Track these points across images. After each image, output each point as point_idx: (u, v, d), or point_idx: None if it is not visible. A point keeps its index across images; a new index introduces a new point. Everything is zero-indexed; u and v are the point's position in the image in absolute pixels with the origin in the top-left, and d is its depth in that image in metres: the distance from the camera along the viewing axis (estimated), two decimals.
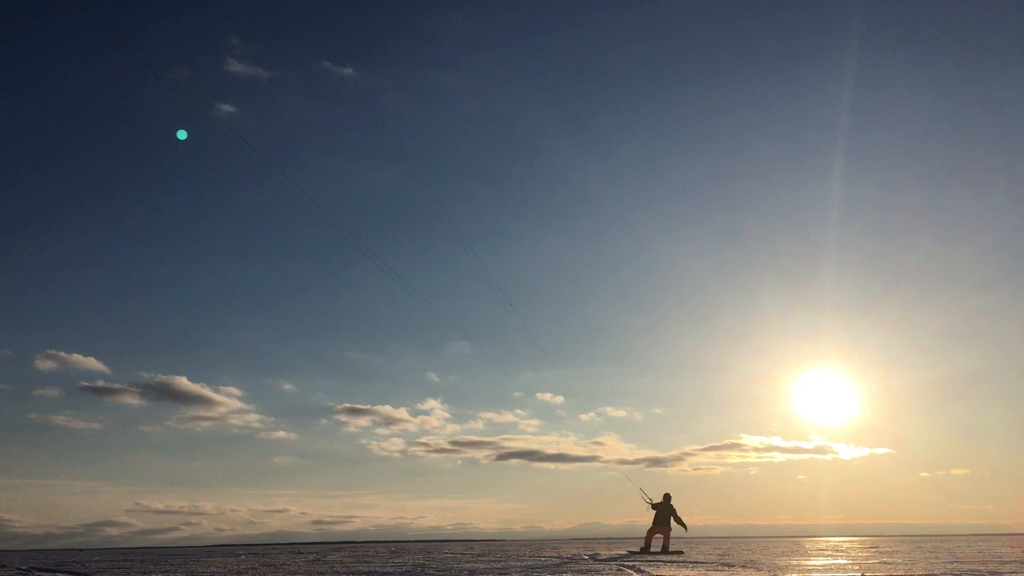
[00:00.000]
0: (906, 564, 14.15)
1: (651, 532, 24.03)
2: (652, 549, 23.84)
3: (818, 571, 12.26)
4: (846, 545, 35.63)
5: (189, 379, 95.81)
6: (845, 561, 16.09)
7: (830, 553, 22.41)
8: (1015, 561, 14.78)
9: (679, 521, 24.11)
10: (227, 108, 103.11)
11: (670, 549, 24.06)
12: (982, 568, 12.27)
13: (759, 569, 13.10)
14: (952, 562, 14.66)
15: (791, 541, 58.65)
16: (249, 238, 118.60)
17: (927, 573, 10.90)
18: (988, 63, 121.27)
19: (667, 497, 24.78)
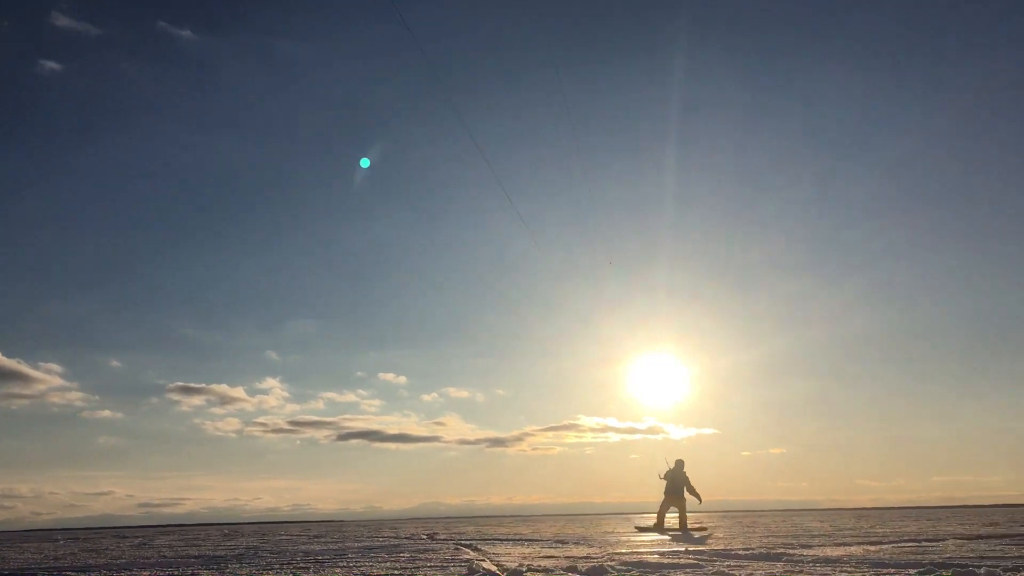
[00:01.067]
0: (725, 538, 14.92)
1: (664, 506, 20.97)
2: (667, 527, 20.70)
3: (646, 546, 12.74)
4: (673, 521, 37.27)
5: (3, 354, 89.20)
6: (670, 536, 16.81)
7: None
8: (823, 535, 15.85)
9: (693, 492, 20.77)
10: (51, 65, 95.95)
11: (689, 527, 20.86)
12: (794, 541, 13.09)
13: (591, 545, 13.48)
14: (767, 536, 15.57)
15: (623, 518, 60.75)
16: (77, 207, 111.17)
17: (744, 547, 11.51)
18: (803, 67, 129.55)
19: (680, 464, 21.30)
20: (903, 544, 11.73)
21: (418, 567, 9.04)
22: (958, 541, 12.32)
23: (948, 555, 8.89)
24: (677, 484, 20.82)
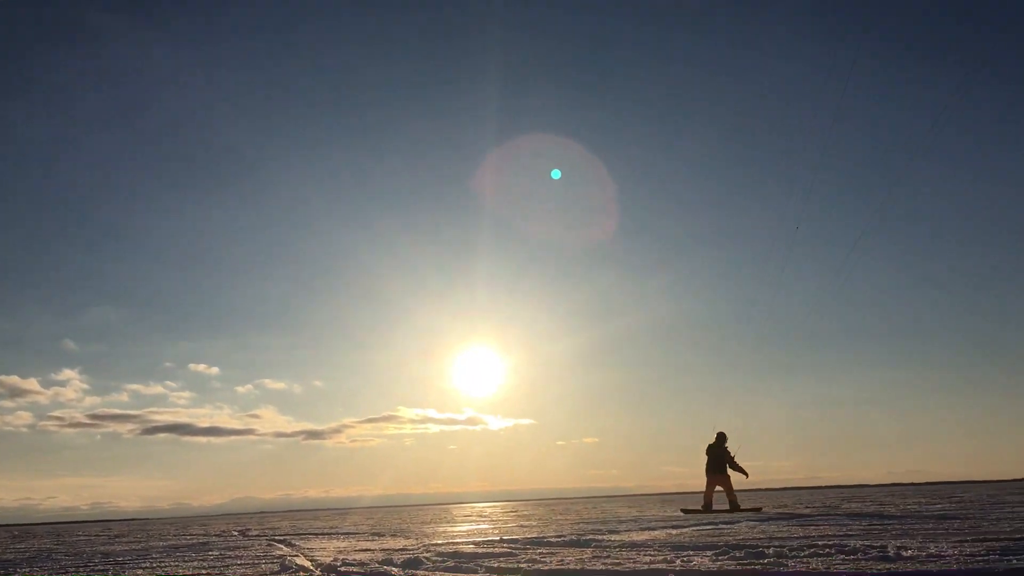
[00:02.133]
0: (539, 526, 15.33)
1: (709, 485, 18.91)
2: (715, 507, 18.88)
3: (462, 536, 12.87)
4: (490, 511, 37.85)
5: None
6: (487, 526, 17.07)
7: (475, 519, 23.66)
8: (630, 520, 16.58)
9: (736, 467, 18.76)
10: None
11: (740, 505, 18.99)
12: (603, 527, 13.61)
13: (408, 537, 13.49)
14: (578, 523, 16.12)
15: (441, 508, 61.04)
16: None
17: (556, 534, 11.85)
18: (609, 78, 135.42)
19: (721, 437, 19.09)
20: (702, 527, 12.45)
21: (227, 565, 8.74)
22: (750, 523, 13.21)
23: (742, 537, 9.51)
24: (718, 460, 18.82)
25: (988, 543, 7.09)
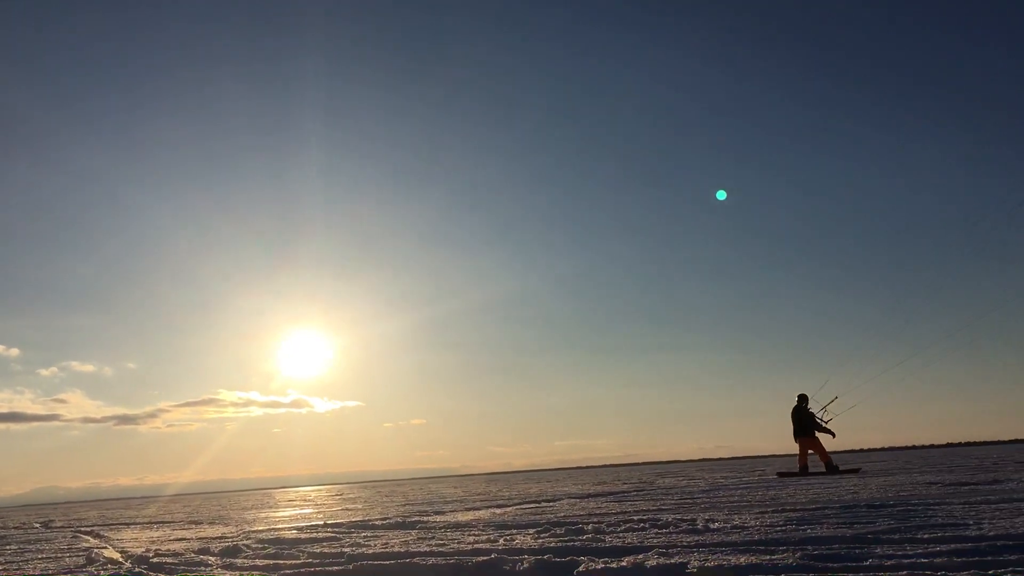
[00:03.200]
0: (365, 509, 15.21)
1: (801, 449, 18.49)
2: (811, 469, 18.52)
3: (284, 522, 12.58)
4: (314, 494, 37.22)
5: None
6: (311, 511, 16.77)
7: (299, 503, 23.19)
8: (456, 501, 16.73)
9: (822, 428, 18.34)
10: None
11: (837, 466, 18.59)
12: (429, 509, 13.67)
13: (227, 524, 13.05)
14: (405, 505, 16.12)
15: (264, 493, 59.44)
16: None
17: (382, 516, 11.80)
18: (438, 62, 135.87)
19: (802, 399, 18.71)
20: (525, 506, 12.73)
21: (27, 560, 8.15)
22: (572, 500, 13.63)
23: (562, 514, 9.80)
24: (803, 423, 18.46)
25: (787, 514, 7.62)
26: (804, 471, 18.16)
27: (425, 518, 10.83)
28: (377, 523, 10.30)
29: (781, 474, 19.04)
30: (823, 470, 18.20)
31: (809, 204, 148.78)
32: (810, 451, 18.44)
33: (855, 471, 17.95)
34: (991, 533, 5.13)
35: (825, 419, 18.56)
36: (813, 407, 18.65)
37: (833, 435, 18.41)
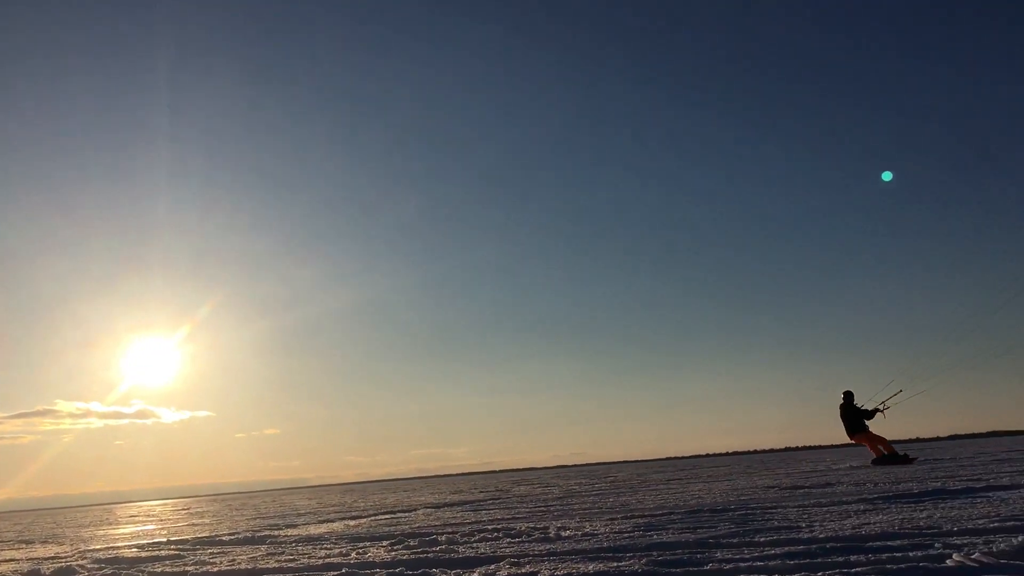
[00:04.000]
0: (212, 524, 14.66)
1: (871, 443, 18.27)
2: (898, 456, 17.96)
3: (125, 539, 11.97)
4: (160, 509, 35.58)
5: None
6: (154, 526, 16.03)
7: (142, 519, 22.12)
8: (309, 513, 16.36)
9: (870, 416, 18.21)
10: None
11: (901, 452, 18.37)
12: (280, 522, 13.30)
13: (61, 543, 12.30)
14: (255, 518, 15.63)
15: (104, 509, 56.39)
16: None
17: (230, 531, 11.41)
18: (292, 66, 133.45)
19: (848, 397, 18.59)
20: (380, 517, 12.59)
21: None
22: (428, 510, 13.58)
23: (417, 525, 9.75)
24: (852, 421, 18.38)
25: (635, 520, 7.85)
26: (891, 455, 17.96)
27: (276, 532, 10.53)
28: (225, 539, 9.95)
29: (875, 462, 18.16)
30: (898, 454, 18.10)
31: (670, 212, 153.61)
32: (876, 443, 18.27)
33: (906, 459, 17.95)
34: (821, 535, 5.44)
35: (882, 407, 18.42)
36: (869, 403, 18.52)
37: (882, 412, 18.32)
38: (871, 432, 18.31)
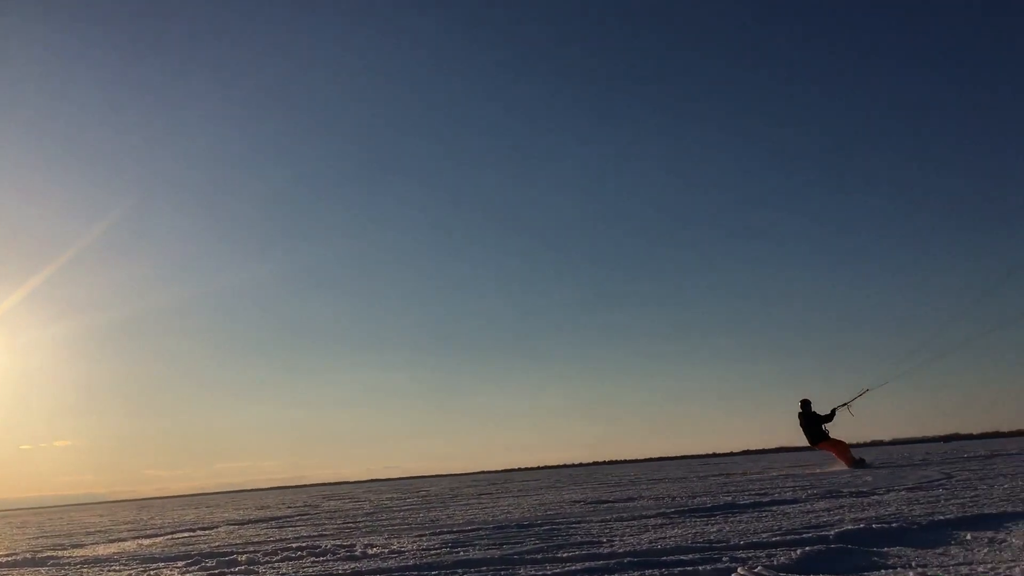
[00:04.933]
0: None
1: (837, 452, 18.30)
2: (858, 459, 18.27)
3: None
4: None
5: None
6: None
7: None
8: (100, 531, 15.32)
9: (829, 419, 18.24)
10: None
11: (862, 459, 18.59)
12: (66, 541, 12.38)
13: None
14: (38, 537, 14.47)
15: None
16: None
17: (8, 552, 10.50)
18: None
19: (806, 405, 18.51)
20: (178, 535, 11.96)
21: None
22: (230, 527, 13.03)
23: (217, 544, 9.32)
24: (811, 430, 18.35)
25: (443, 536, 7.84)
26: (858, 461, 18.24)
27: (60, 553, 9.78)
28: (1, 560, 9.14)
29: (856, 465, 18.21)
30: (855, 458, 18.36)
31: (520, 215, 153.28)
32: (841, 450, 18.44)
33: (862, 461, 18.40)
34: (620, 550, 5.63)
35: (847, 405, 18.48)
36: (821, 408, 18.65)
37: (840, 411, 18.39)
38: (832, 439, 18.51)
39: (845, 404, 18.28)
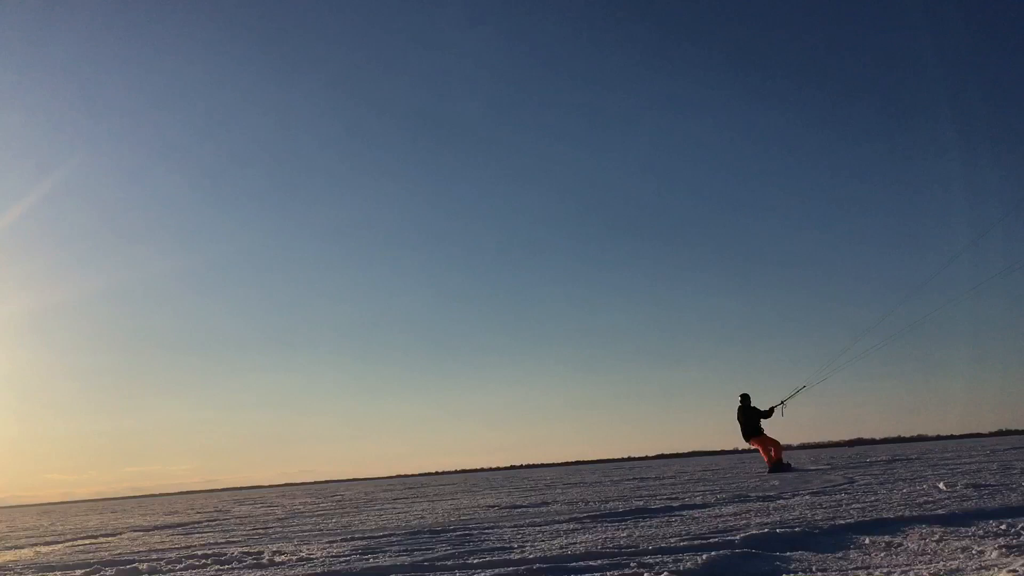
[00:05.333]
0: None
1: (764, 450, 18.22)
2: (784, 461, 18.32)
3: None
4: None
5: None
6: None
7: None
8: None
9: (768, 413, 18.15)
10: None
11: (783, 460, 18.25)
12: None
13: None
14: None
15: None
16: None
17: None
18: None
19: (745, 399, 18.35)
20: (79, 542, 11.53)
21: None
22: (134, 534, 12.62)
23: (119, 551, 9.02)
24: (750, 425, 18.16)
25: (354, 542, 7.74)
26: (779, 465, 17.99)
27: None
28: None
29: (772, 470, 17.94)
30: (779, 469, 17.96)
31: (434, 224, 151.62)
32: (770, 448, 18.23)
33: (787, 466, 18.30)
34: (531, 555, 5.64)
35: (781, 404, 18.38)
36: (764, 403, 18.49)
37: (778, 409, 18.33)
38: (766, 436, 18.32)
39: (783, 402, 18.34)
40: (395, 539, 7.77)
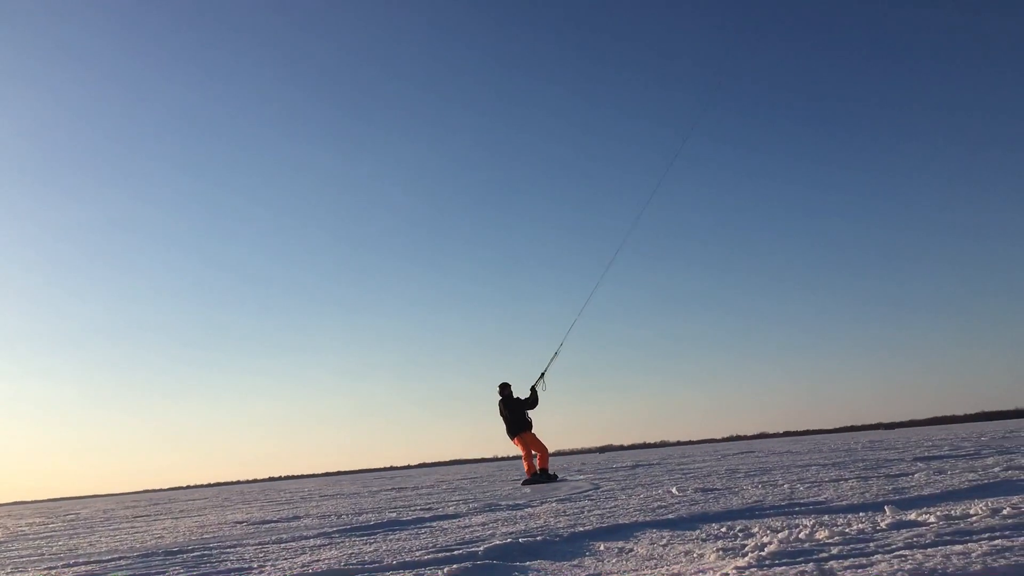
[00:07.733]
0: None
1: (524, 450, 16.11)
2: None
3: None
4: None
5: None
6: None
7: None
8: None
9: (531, 403, 16.07)
10: None
11: (548, 470, 16.26)
12: None
13: None
14: None
15: None
16: None
17: None
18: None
19: (505, 388, 16.20)
20: None
21: None
22: None
23: None
24: (516, 417, 16.13)
25: (76, 568, 7.11)
26: (543, 475, 15.86)
27: None
28: None
29: (526, 483, 15.79)
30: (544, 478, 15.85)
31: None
32: (533, 452, 16.13)
33: (551, 476, 16.09)
34: None
35: (542, 382, 16.19)
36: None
37: (543, 383, 16.06)
38: (535, 436, 16.23)
39: (541, 375, 16.23)
40: (123, 563, 7.20)
